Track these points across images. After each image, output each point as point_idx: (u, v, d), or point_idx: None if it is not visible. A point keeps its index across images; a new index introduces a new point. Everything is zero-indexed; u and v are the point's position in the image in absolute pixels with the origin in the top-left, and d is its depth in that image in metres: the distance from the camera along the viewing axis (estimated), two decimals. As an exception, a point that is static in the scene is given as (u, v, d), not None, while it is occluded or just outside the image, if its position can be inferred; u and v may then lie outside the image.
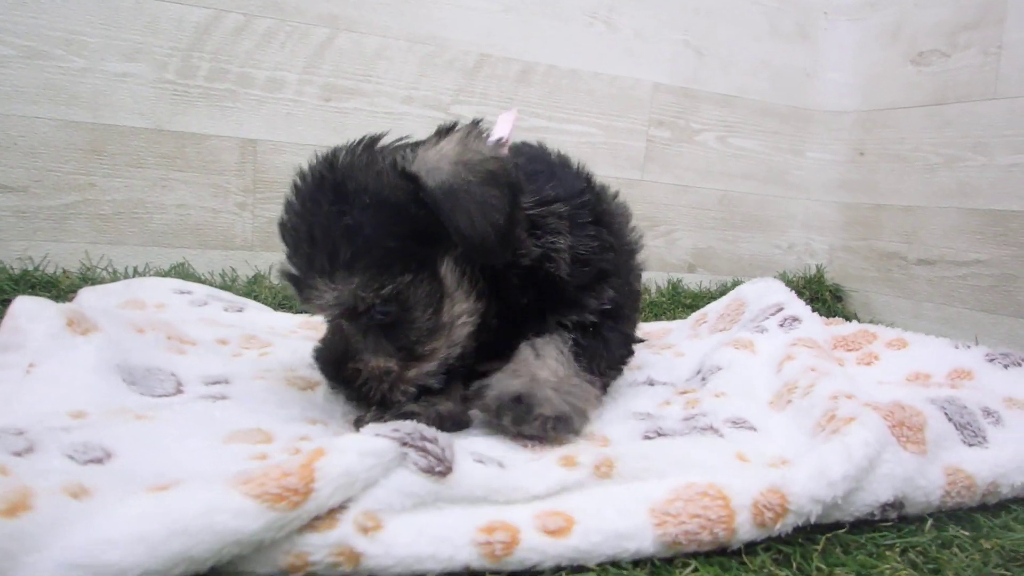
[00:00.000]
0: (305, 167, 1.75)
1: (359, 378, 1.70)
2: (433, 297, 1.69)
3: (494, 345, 1.85)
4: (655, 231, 4.23)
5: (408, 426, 1.31)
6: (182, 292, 2.80)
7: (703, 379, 2.18)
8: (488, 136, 1.80)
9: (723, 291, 4.10)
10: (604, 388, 1.97)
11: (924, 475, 1.58)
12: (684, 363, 2.47)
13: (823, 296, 4.30)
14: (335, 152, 1.74)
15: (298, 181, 1.73)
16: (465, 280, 1.73)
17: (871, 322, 3.90)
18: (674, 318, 3.75)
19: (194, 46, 3.29)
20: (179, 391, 1.80)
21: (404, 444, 1.27)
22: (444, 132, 1.76)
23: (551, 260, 1.83)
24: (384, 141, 1.81)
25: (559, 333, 1.86)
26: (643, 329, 3.17)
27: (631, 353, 2.15)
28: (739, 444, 1.66)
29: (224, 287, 3.20)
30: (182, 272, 3.27)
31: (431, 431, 1.33)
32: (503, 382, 1.72)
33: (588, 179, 2.07)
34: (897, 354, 2.52)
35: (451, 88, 3.74)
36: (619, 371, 2.12)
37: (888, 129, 4.18)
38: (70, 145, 3.14)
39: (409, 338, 1.70)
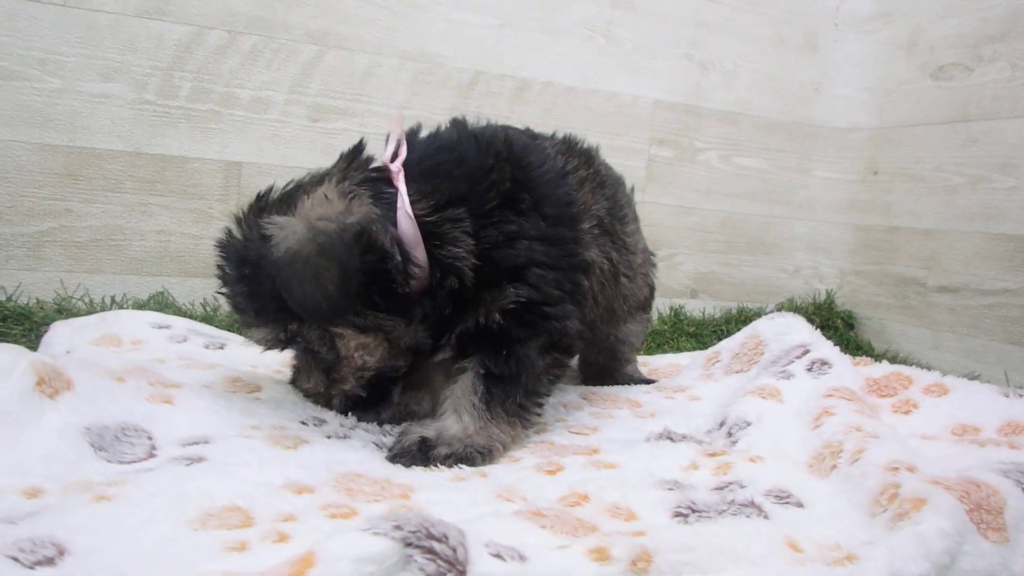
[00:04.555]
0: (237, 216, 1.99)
1: (304, 392, 2.10)
2: (324, 337, 1.92)
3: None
4: (656, 255, 4.03)
5: (412, 520, 1.11)
6: (160, 327, 2.61)
7: (729, 434, 1.99)
8: (365, 168, 1.97)
9: (727, 318, 4.01)
10: (531, 415, 2.04)
11: (1008, 568, 1.37)
12: (701, 409, 2.28)
13: (834, 323, 4.13)
14: (240, 218, 1.97)
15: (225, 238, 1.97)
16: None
17: (887, 352, 3.75)
18: (677, 348, 3.59)
19: (175, 65, 3.11)
20: (152, 455, 1.62)
21: (408, 544, 1.07)
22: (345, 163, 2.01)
23: (453, 272, 1.91)
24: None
25: (472, 375, 1.95)
26: (649, 365, 3.02)
27: (565, 359, 2.14)
28: (788, 527, 1.45)
29: (206, 317, 3.04)
30: (161, 301, 3.09)
31: (440, 524, 1.12)
32: (416, 428, 1.92)
33: (498, 150, 2.06)
34: (938, 402, 2.30)
35: (445, 107, 3.56)
36: (550, 384, 2.11)
37: (904, 147, 4.01)
38: (45, 169, 2.97)
39: (323, 367, 2.01)
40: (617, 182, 2.58)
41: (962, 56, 3.74)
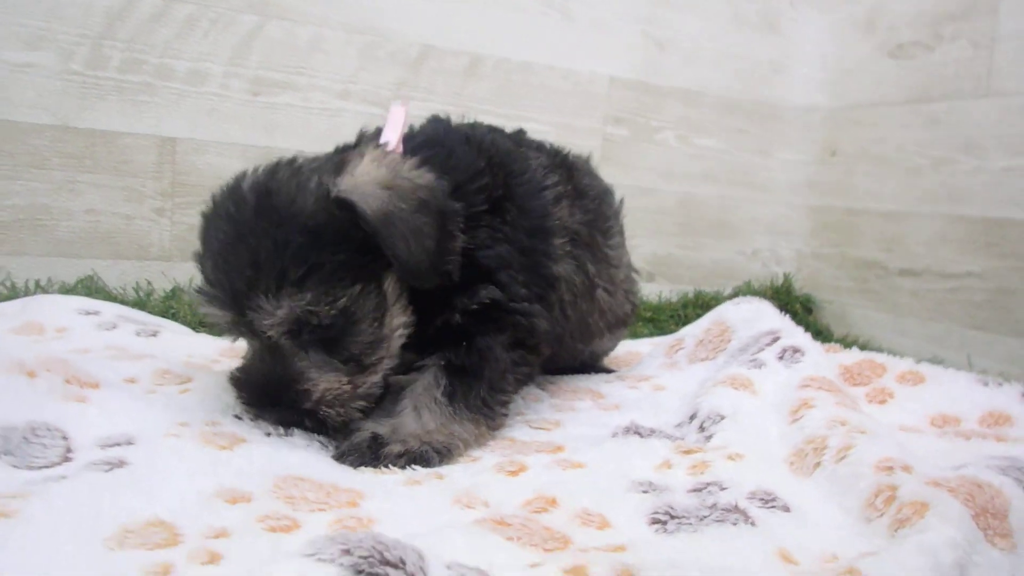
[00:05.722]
0: (223, 192, 1.75)
1: (308, 400, 1.67)
2: (379, 310, 1.72)
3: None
4: (612, 237, 3.90)
5: (364, 542, 0.95)
6: (88, 313, 2.43)
7: (702, 428, 1.84)
8: (404, 159, 1.81)
9: (684, 302, 3.91)
10: (497, 415, 1.89)
11: (1017, 580, 1.26)
12: (667, 400, 2.15)
13: (793, 307, 4.02)
14: (257, 176, 1.74)
15: (229, 207, 1.70)
16: (403, 295, 1.77)
17: (847, 336, 3.68)
18: (634, 333, 3.46)
19: (105, 33, 2.93)
20: (66, 458, 1.44)
21: (359, 572, 0.92)
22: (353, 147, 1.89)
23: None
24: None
25: (435, 370, 1.82)
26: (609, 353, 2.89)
27: (532, 359, 2.02)
28: (778, 536, 1.32)
29: (138, 302, 2.86)
30: (91, 285, 2.90)
31: (396, 546, 0.97)
32: (369, 424, 1.74)
33: (491, 154, 2.01)
34: (914, 391, 2.20)
35: (392, 82, 3.41)
36: (517, 383, 1.99)
37: (864, 127, 3.94)
38: (-39, 144, 2.77)
39: (352, 351, 1.71)
40: (603, 193, 2.49)
41: (922, 35, 3.67)
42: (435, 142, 1.96)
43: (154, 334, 2.40)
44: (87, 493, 1.25)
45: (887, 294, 3.76)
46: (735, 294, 4.05)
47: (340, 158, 1.78)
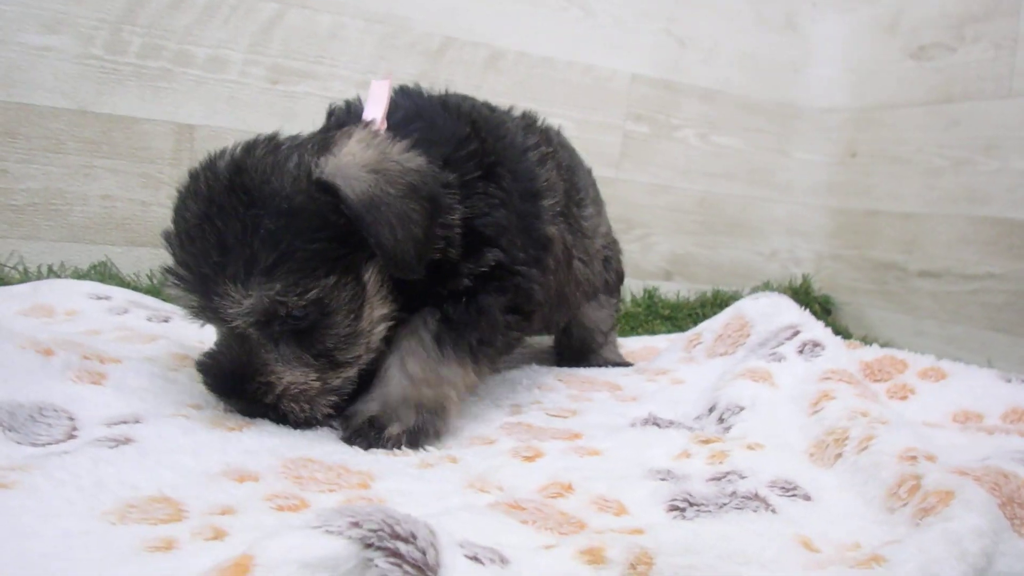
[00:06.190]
0: (199, 169, 1.64)
1: (270, 394, 1.60)
2: (355, 302, 1.64)
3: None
4: (630, 235, 3.88)
5: (373, 516, 0.92)
6: (99, 297, 2.43)
7: (721, 419, 1.82)
8: (393, 140, 1.73)
9: (702, 301, 3.87)
10: (481, 363, 1.85)
11: (1046, 572, 1.22)
12: (686, 394, 2.12)
13: (812, 308, 3.92)
14: (234, 153, 1.64)
15: (200, 185, 1.60)
16: (384, 286, 1.70)
17: (865, 338, 3.61)
18: (651, 331, 3.45)
19: (125, 18, 2.91)
20: (71, 436, 1.42)
21: (368, 545, 0.89)
22: (337, 125, 1.84)
23: (447, 242, 1.76)
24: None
25: (426, 312, 1.78)
26: (625, 347, 2.89)
27: (524, 325, 1.99)
28: (798, 523, 1.29)
29: (151, 289, 2.84)
30: (104, 272, 2.89)
31: (407, 521, 0.94)
32: (361, 407, 1.71)
33: (474, 120, 1.96)
34: (935, 387, 2.17)
35: (412, 73, 3.37)
36: (505, 345, 1.97)
37: (884, 128, 3.90)
38: (-22, 126, 2.75)
39: (327, 344, 1.63)
40: (575, 164, 2.48)
41: (944, 36, 3.63)
42: (415, 115, 1.89)
43: (166, 320, 2.38)
44: (89, 468, 1.23)
45: (906, 296, 3.72)
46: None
47: (324, 137, 1.71)
